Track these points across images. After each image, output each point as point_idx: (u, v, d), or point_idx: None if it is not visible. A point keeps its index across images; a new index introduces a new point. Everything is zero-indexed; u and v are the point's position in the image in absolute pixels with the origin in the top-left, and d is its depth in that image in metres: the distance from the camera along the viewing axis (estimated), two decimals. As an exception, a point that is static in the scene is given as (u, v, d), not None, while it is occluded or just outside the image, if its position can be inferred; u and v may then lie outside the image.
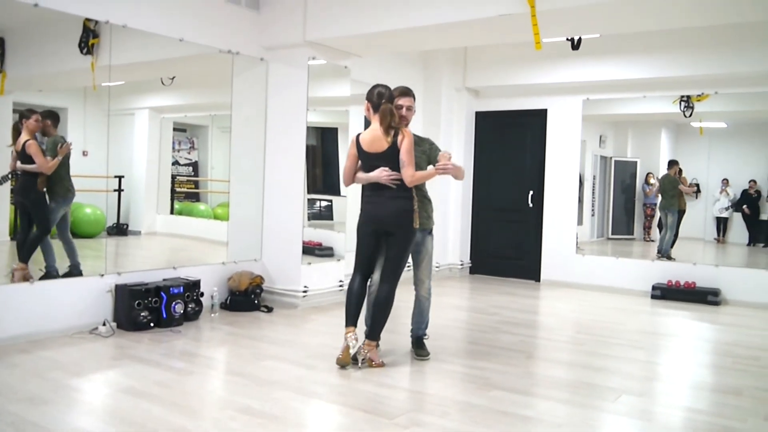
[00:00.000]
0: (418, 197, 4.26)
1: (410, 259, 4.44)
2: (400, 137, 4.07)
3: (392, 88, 4.29)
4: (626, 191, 9.05)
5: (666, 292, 7.29)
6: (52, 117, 5.56)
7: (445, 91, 8.40)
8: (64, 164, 5.46)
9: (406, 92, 4.29)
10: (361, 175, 4.22)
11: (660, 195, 8.44)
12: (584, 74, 7.65)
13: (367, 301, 4.40)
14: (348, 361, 4.11)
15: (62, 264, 5.41)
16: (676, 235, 8.23)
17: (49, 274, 5.24)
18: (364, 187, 4.30)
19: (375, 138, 4.12)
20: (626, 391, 3.93)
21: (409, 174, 4.05)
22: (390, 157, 4.09)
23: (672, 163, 8.36)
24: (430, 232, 4.47)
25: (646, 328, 6.01)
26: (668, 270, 7.52)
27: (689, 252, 8.10)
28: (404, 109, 4.24)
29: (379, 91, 4.17)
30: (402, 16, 5.50)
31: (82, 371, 4.00)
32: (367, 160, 4.18)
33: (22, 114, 5.30)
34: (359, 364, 4.16)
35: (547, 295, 7.56)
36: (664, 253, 8.09)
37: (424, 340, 4.60)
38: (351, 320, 4.19)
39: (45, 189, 5.36)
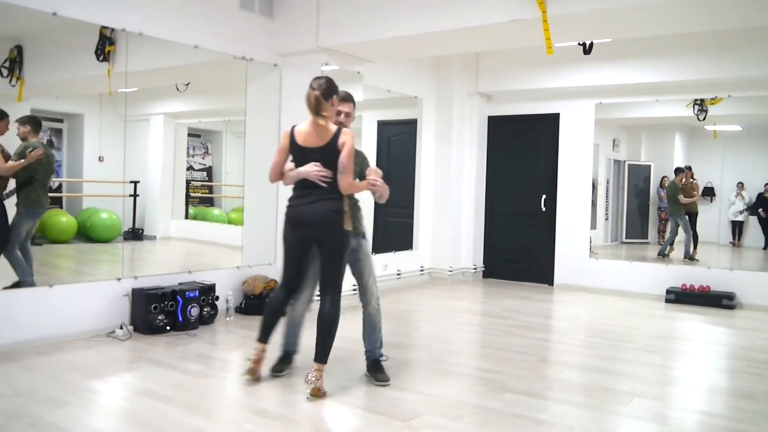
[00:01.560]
0: (349, 202, 3.93)
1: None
2: (341, 139, 3.74)
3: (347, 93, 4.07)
4: (640, 195, 9.01)
5: (680, 296, 7.25)
6: (33, 122, 5.33)
7: (458, 96, 8.42)
8: (37, 171, 5.21)
9: (346, 98, 4.06)
10: (290, 172, 3.85)
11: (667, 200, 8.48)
12: (596, 78, 7.64)
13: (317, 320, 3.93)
14: (253, 375, 3.90)
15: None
16: (695, 237, 8.26)
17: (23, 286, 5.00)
18: (291, 190, 3.95)
19: (311, 131, 3.79)
20: (640, 394, 3.93)
21: (348, 182, 3.72)
22: (326, 155, 3.72)
23: (678, 171, 8.34)
24: (364, 237, 4.14)
25: (660, 332, 5.99)
26: (682, 274, 7.48)
27: (704, 256, 8.06)
28: (342, 115, 4.04)
29: (312, 84, 3.84)
30: (414, 22, 5.53)
31: (100, 374, 4.06)
32: (299, 155, 3.81)
33: None
34: (308, 396, 3.67)
35: (561, 299, 7.54)
36: (686, 255, 8.13)
37: (382, 362, 4.17)
38: (263, 336, 3.92)
39: (15, 196, 5.12)
